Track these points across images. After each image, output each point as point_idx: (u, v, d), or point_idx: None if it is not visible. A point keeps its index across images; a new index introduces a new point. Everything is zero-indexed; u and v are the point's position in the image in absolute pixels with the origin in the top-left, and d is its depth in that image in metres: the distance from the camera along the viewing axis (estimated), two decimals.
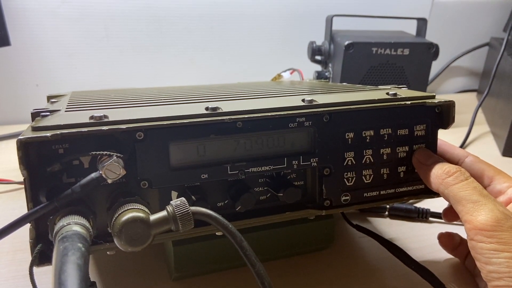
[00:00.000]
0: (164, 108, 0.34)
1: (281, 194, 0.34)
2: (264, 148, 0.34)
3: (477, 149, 0.76)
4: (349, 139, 0.35)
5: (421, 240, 0.47)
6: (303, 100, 0.35)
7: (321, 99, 0.35)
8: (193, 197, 0.32)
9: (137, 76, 0.89)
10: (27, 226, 0.28)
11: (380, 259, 0.43)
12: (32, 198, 0.28)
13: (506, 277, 0.28)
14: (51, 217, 0.26)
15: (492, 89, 0.82)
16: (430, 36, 0.83)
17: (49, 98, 0.50)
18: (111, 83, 0.88)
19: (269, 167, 0.34)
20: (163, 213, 0.26)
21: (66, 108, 0.35)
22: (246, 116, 0.32)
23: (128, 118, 0.30)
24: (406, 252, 0.40)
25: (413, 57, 0.76)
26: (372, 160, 0.37)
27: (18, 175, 0.59)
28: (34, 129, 0.28)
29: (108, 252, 0.30)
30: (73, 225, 0.24)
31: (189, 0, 0.87)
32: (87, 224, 0.25)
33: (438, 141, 0.39)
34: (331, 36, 0.80)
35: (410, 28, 0.86)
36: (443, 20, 1.05)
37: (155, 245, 0.28)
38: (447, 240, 0.43)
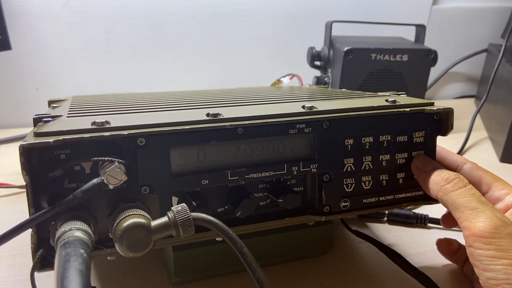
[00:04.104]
0: (165, 114, 0.35)
1: (281, 200, 0.34)
2: (264, 154, 0.34)
3: (475, 155, 0.76)
4: (349, 146, 0.36)
5: (420, 246, 0.47)
6: (303, 107, 0.35)
7: (321, 105, 0.36)
8: (193, 202, 0.32)
9: (137, 80, 0.90)
10: (28, 231, 0.28)
11: (378, 265, 0.43)
12: (34, 204, 0.28)
13: (504, 283, 0.28)
14: (52, 223, 0.27)
15: (490, 95, 0.83)
16: (429, 42, 0.84)
17: (50, 102, 0.51)
18: (111, 88, 0.88)
19: (269, 173, 0.34)
20: (164, 219, 0.26)
21: (68, 114, 0.35)
22: (246, 122, 0.32)
23: (129, 124, 0.30)
24: (404, 257, 0.41)
25: (411, 63, 0.76)
26: (372, 167, 0.37)
27: (18, 179, 0.59)
28: (37, 134, 0.28)
29: (108, 257, 0.31)
30: (75, 230, 0.25)
31: (189, 5, 0.87)
32: (89, 230, 0.26)
33: (437, 148, 0.39)
34: (330, 41, 0.80)
35: (409, 34, 0.87)
36: (442, 26, 1.06)
37: (155, 250, 0.28)
38: (445, 246, 0.43)
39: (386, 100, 0.38)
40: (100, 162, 0.28)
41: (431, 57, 0.77)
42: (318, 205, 0.36)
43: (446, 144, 0.41)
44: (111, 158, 0.28)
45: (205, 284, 0.40)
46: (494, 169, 0.39)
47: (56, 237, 0.25)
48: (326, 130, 0.35)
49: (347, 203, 0.37)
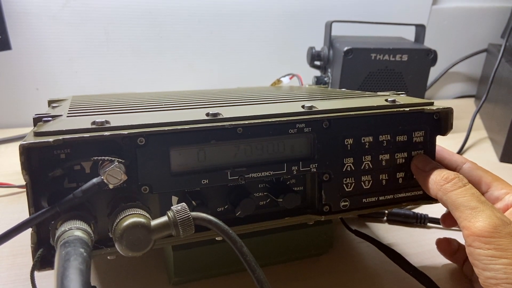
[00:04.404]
0: (165, 114, 0.35)
1: (281, 200, 0.34)
2: (264, 154, 0.34)
3: (475, 155, 0.76)
4: (349, 145, 0.36)
5: (419, 245, 0.47)
6: (303, 107, 0.35)
7: (320, 105, 0.36)
8: (193, 202, 0.32)
9: (137, 80, 0.90)
10: (28, 230, 0.28)
11: (378, 264, 0.43)
12: (34, 203, 0.28)
13: (504, 283, 0.28)
14: (52, 222, 0.27)
15: (490, 95, 0.83)
16: (429, 42, 0.84)
17: (50, 102, 0.51)
18: (111, 87, 0.88)
19: (269, 173, 0.34)
20: (164, 219, 0.26)
21: (68, 113, 0.35)
22: (246, 122, 0.32)
23: (129, 124, 0.30)
24: (404, 257, 0.41)
25: (411, 63, 0.77)
26: (371, 166, 0.37)
27: (18, 179, 0.59)
28: (36, 134, 0.28)
29: (108, 257, 0.31)
30: (75, 230, 0.25)
31: (189, 5, 0.87)
32: (89, 229, 0.26)
33: (437, 147, 0.39)
34: (330, 41, 0.80)
35: (409, 34, 0.87)
36: (442, 26, 1.06)
37: (155, 249, 0.28)
38: (445, 245, 0.43)
39: (386, 100, 0.38)
40: (100, 162, 0.28)
41: (430, 57, 0.77)
42: (317, 204, 0.36)
43: (445, 144, 0.41)
44: (111, 158, 0.28)
45: (205, 283, 0.40)
46: (493, 169, 0.39)
47: (56, 236, 0.25)
48: (326, 129, 0.35)
49: (346, 203, 0.37)
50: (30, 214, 0.28)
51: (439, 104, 0.38)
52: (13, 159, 0.67)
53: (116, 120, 0.31)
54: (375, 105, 0.36)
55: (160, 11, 0.86)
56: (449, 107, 0.37)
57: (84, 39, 0.84)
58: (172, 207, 0.26)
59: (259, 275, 0.26)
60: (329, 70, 0.81)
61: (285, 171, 0.34)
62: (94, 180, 0.28)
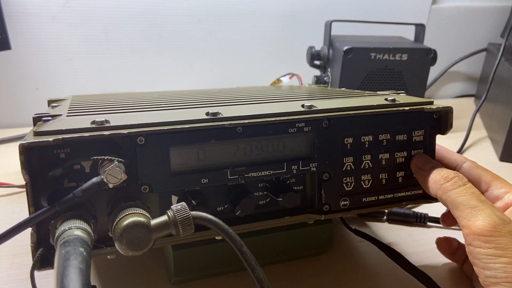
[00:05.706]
0: (165, 113, 0.35)
1: (281, 199, 0.34)
2: (263, 153, 0.34)
3: (474, 154, 0.76)
4: (348, 144, 0.36)
5: (419, 244, 0.47)
6: (302, 106, 0.35)
7: (320, 104, 0.36)
8: (193, 201, 0.32)
9: (137, 80, 0.90)
10: (28, 230, 0.28)
11: (378, 264, 0.43)
12: (33, 203, 0.28)
13: (504, 282, 0.28)
14: (52, 222, 0.27)
15: (489, 94, 0.83)
16: (428, 41, 0.84)
17: (49, 102, 0.51)
18: (111, 87, 0.88)
19: (268, 172, 0.34)
20: (164, 218, 0.26)
21: (67, 113, 0.35)
22: (246, 121, 0.32)
23: (129, 123, 0.30)
24: (404, 256, 0.41)
25: (411, 63, 0.77)
26: (371, 165, 0.37)
27: (17, 179, 0.59)
28: (36, 133, 0.28)
29: (108, 256, 0.31)
30: (75, 229, 0.25)
31: (189, 5, 0.87)
32: (88, 229, 0.26)
33: (436, 147, 0.39)
34: (330, 41, 0.80)
35: (409, 33, 0.87)
36: (441, 25, 1.06)
37: (154, 249, 0.28)
38: (445, 245, 0.43)
39: (386, 99, 0.38)
40: (100, 161, 0.28)
41: (430, 56, 0.77)
42: (317, 203, 0.36)
43: (445, 143, 0.41)
44: (110, 157, 0.28)
45: (205, 283, 0.40)
46: (493, 168, 0.39)
47: (56, 236, 0.25)
48: (325, 129, 0.35)
49: (346, 202, 0.37)
50: (30, 214, 0.28)
51: (439, 103, 0.38)
52: (12, 159, 0.68)
53: (115, 119, 0.31)
54: (375, 104, 0.36)
55: (160, 11, 0.86)
56: (449, 106, 0.37)
57: (84, 39, 0.84)
58: (172, 206, 0.26)
59: (259, 274, 0.26)
60: (329, 69, 0.81)
61: (285, 170, 0.34)
62: (94, 179, 0.28)
